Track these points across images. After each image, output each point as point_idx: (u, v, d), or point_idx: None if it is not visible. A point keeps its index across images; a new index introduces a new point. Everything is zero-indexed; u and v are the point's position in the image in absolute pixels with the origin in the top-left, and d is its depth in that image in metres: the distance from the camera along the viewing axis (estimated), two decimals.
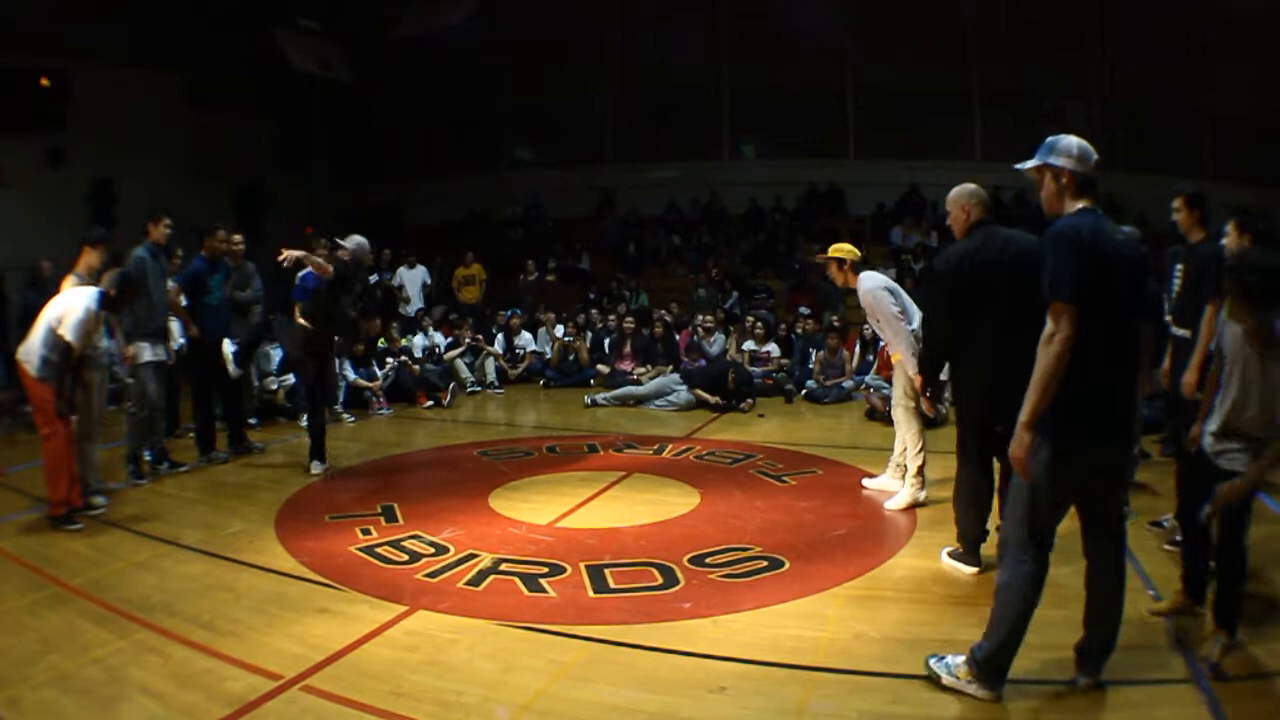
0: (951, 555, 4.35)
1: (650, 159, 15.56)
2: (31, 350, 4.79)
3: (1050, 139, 2.87)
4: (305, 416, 6.49)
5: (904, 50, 13.80)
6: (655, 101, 15.71)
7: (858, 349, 9.50)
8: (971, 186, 4.07)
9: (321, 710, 2.85)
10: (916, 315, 5.00)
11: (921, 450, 5.04)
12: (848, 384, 9.22)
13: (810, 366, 9.55)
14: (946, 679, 2.93)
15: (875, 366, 9.29)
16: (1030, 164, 2.90)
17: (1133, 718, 2.76)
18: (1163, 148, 13.35)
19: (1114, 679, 2.96)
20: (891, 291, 5.06)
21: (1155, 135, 13.59)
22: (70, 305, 4.81)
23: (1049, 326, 2.68)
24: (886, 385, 8.67)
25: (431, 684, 3.01)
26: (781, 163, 14.77)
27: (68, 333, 4.71)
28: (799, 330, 10.22)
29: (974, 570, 4.24)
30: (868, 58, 14.31)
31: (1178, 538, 4.24)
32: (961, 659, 2.93)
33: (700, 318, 10.43)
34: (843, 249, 5.30)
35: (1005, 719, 2.77)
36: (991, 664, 2.85)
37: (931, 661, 3.01)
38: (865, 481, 5.56)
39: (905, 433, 5.10)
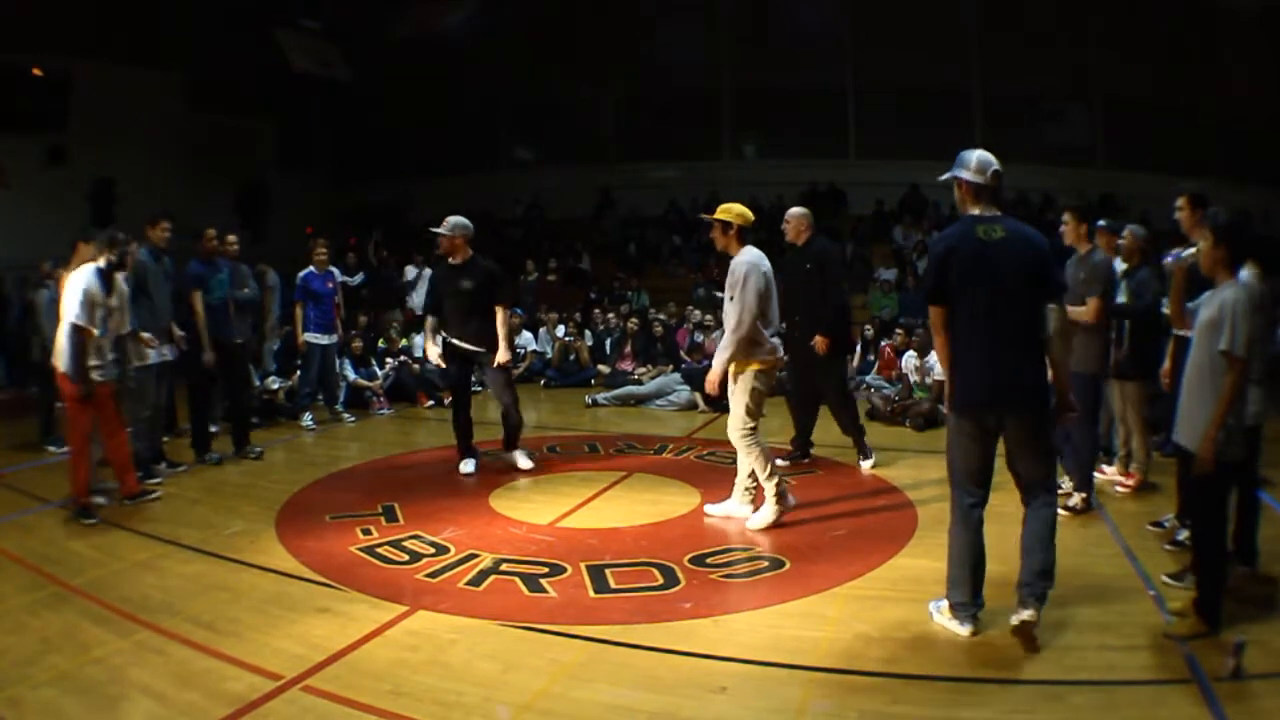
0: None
1: (651, 159, 15.58)
2: (61, 351, 4.87)
3: (960, 153, 3.27)
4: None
5: (904, 50, 13.81)
6: (656, 101, 15.73)
7: (859, 348, 9.48)
8: (806, 210, 6.03)
9: (322, 710, 2.85)
10: (774, 321, 4.71)
11: (772, 470, 4.66)
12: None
13: None
14: (937, 617, 3.41)
15: (875, 366, 9.30)
16: (944, 177, 3.32)
17: (1133, 718, 2.75)
18: (1163, 148, 13.35)
19: (1114, 679, 2.97)
20: (766, 279, 4.59)
21: (1155, 135, 13.59)
22: (69, 294, 4.85)
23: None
24: (887, 385, 8.70)
25: (432, 684, 3.01)
26: (782, 162, 14.78)
27: (72, 316, 4.78)
28: None
29: (791, 450, 6.14)
30: (868, 58, 14.32)
31: (1178, 537, 4.26)
32: (946, 601, 3.39)
33: (700, 316, 10.43)
34: (732, 210, 4.69)
35: (1003, 719, 2.77)
36: (953, 600, 3.32)
37: (930, 604, 3.47)
38: (708, 508, 4.96)
39: (750, 460, 4.68)
